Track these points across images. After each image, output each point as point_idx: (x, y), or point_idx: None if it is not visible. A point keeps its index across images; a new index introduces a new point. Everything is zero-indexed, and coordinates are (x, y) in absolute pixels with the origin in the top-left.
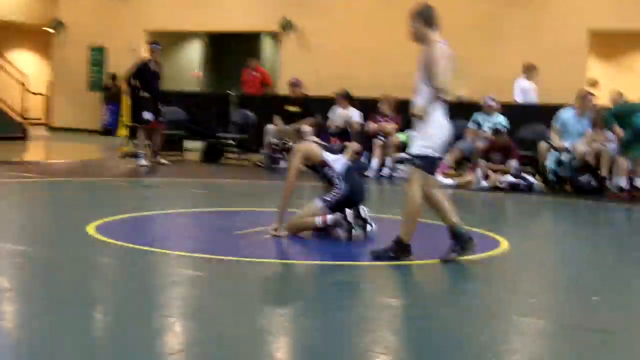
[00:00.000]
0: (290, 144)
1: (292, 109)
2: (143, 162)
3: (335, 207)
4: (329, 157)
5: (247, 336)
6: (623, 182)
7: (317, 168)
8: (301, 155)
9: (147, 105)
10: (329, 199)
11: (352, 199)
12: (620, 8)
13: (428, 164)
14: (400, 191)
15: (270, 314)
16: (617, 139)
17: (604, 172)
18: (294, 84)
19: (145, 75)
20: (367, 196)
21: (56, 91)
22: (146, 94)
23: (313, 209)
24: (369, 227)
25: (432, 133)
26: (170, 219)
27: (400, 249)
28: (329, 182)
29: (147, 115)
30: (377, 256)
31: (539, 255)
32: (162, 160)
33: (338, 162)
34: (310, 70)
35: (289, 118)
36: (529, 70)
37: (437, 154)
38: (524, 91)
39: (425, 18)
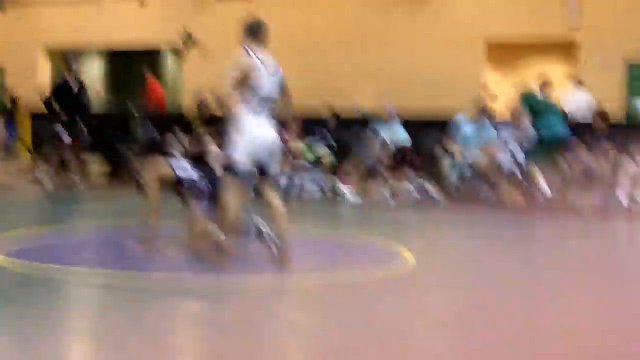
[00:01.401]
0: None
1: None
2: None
3: (213, 198)
4: (182, 172)
5: None
6: (547, 193)
7: (176, 186)
8: (154, 181)
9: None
10: (201, 196)
11: (217, 183)
12: (515, 18)
13: (235, 172)
14: (308, 206)
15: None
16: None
17: (498, 182)
18: (201, 103)
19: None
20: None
21: None
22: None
23: (197, 217)
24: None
25: (239, 141)
26: None
27: (222, 250)
28: (193, 188)
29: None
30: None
31: (445, 269)
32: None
33: (184, 166)
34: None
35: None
36: (545, 86)
37: (244, 163)
38: None
39: (249, 31)
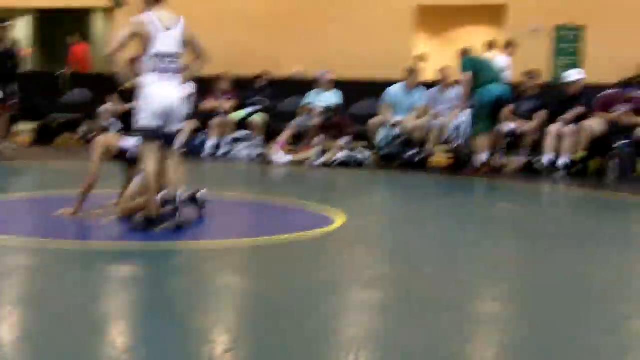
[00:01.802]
0: (93, 135)
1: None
2: None
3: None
4: (127, 143)
5: (86, 324)
6: (483, 157)
7: (121, 157)
8: (100, 150)
9: None
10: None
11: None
12: None
13: (149, 135)
14: (238, 170)
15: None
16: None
17: (430, 147)
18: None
19: None
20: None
21: None
22: None
23: (138, 187)
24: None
25: (142, 105)
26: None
27: (149, 224)
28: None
29: None
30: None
31: (375, 229)
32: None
33: (129, 139)
34: None
35: (128, 98)
36: (510, 46)
37: (152, 124)
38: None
39: None
